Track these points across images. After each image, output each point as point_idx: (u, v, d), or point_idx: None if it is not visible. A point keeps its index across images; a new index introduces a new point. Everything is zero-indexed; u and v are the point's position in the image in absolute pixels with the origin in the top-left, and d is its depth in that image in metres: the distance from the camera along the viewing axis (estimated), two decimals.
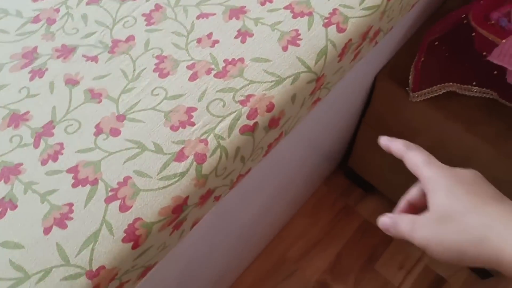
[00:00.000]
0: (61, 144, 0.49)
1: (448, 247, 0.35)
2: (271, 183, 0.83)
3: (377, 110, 0.93)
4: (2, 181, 0.47)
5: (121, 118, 0.50)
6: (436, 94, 0.79)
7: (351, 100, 0.88)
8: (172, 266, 0.62)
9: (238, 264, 1.08)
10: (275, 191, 0.91)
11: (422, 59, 0.79)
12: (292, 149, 0.78)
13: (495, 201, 0.35)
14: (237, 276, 1.10)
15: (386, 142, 0.44)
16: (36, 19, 0.59)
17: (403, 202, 0.44)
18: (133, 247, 0.43)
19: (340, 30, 0.56)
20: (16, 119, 0.51)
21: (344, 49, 0.56)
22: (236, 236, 0.90)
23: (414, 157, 0.41)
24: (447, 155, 0.88)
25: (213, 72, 0.53)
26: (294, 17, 0.57)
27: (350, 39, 0.56)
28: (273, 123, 0.52)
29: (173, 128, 0.49)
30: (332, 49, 0.55)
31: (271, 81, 0.52)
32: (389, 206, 1.16)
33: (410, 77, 0.80)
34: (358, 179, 1.18)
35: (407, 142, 0.43)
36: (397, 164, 0.99)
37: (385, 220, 0.41)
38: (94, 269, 0.42)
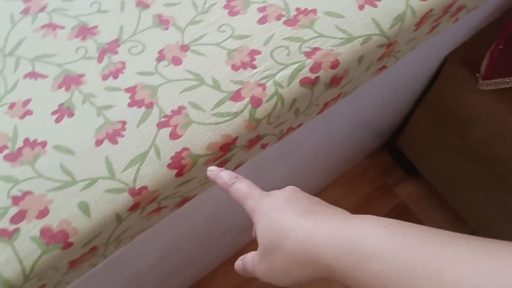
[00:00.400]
0: (123, 63, 0.49)
1: (285, 275, 0.34)
2: (315, 144, 0.82)
3: (440, 92, 0.89)
4: (63, 88, 0.48)
5: (184, 48, 0.50)
6: (507, 86, 0.75)
7: (415, 76, 0.85)
8: (207, 203, 0.64)
9: None
10: (317, 154, 0.90)
11: (500, 47, 0.74)
12: (346, 114, 0.77)
13: (306, 214, 0.34)
14: None
15: (213, 173, 0.42)
16: None
17: (253, 231, 0.42)
18: (177, 175, 0.44)
19: None
20: (84, 31, 0.52)
21: (423, 18, 0.54)
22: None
23: (237, 192, 0.40)
24: (502, 150, 0.84)
25: (283, 19, 0.51)
26: None
27: (431, 9, 0.53)
28: (334, 81, 0.51)
29: (234, 68, 0.49)
30: (410, 16, 0.52)
31: (341, 38, 0.50)
32: (429, 192, 1.14)
33: (483, 63, 0.76)
34: (403, 159, 1.15)
35: (231, 173, 0.41)
36: (449, 152, 0.96)
37: (237, 264, 0.41)
38: (137, 188, 0.43)
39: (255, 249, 0.38)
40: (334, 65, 0.49)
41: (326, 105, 0.55)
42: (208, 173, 0.43)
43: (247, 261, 0.39)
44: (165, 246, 0.69)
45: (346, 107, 0.69)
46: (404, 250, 0.27)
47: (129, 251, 0.54)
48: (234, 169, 0.53)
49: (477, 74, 0.77)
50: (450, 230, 0.27)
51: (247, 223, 0.99)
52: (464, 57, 0.79)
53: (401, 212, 1.13)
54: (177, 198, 0.49)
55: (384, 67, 0.58)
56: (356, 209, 1.13)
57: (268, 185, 0.83)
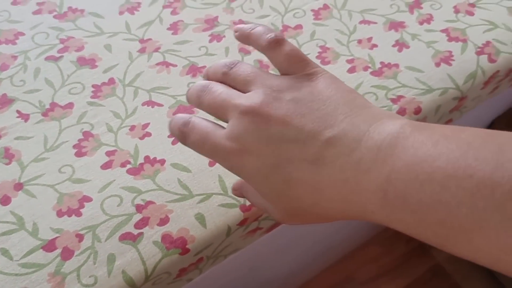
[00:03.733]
0: None
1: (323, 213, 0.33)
2: None
3: None
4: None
5: None
6: None
7: None
8: (276, 237, 0.68)
9: (305, 271, 1.11)
10: None
11: None
12: None
13: None
14: (302, 283, 1.13)
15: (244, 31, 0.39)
16: None
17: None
18: None
19: (491, 60, 0.60)
20: (194, 69, 0.59)
21: (490, 78, 0.60)
22: (310, 242, 0.94)
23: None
24: None
25: (370, 70, 0.58)
26: (449, 40, 0.62)
27: (498, 71, 0.60)
28: None
29: None
30: (480, 75, 0.59)
31: (422, 89, 0.57)
32: None
33: None
34: None
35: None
36: None
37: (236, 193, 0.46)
38: (247, 204, 0.48)
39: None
40: (417, 111, 0.55)
41: None
42: (236, 34, 0.40)
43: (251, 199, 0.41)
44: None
45: None
46: None
47: (212, 273, 0.57)
48: None
49: None
50: None
51: (288, 276, 1.01)
52: (510, 121, 0.86)
53: (438, 273, 1.15)
54: (271, 221, 0.53)
55: (451, 120, 0.65)
56: (394, 267, 1.15)
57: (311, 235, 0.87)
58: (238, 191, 0.45)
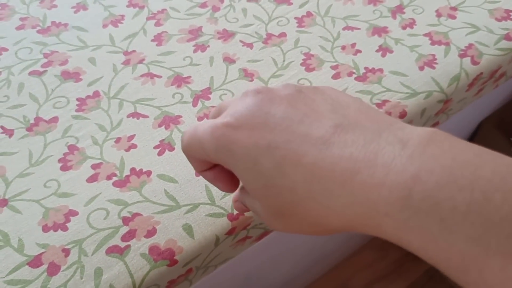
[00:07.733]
0: None
1: (313, 228, 0.28)
2: None
3: None
4: (163, 127, 0.54)
5: None
6: None
7: None
8: (270, 246, 0.67)
9: (300, 279, 1.11)
10: None
11: None
12: None
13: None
14: None
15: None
16: (203, 5, 0.68)
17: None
18: None
19: (474, 62, 0.60)
20: (179, 80, 0.59)
21: (474, 80, 0.61)
22: (305, 250, 0.93)
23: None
24: None
25: (354, 76, 0.59)
26: (432, 44, 0.62)
27: (482, 73, 0.61)
28: None
29: None
30: (464, 77, 0.59)
31: (406, 93, 0.57)
32: None
33: None
34: None
35: None
36: None
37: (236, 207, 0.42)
38: (234, 213, 0.47)
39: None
40: (402, 115, 0.56)
41: None
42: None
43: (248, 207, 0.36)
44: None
45: None
46: None
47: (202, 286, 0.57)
48: None
49: (511, 138, 0.84)
50: None
51: (284, 281, 1.01)
52: (499, 122, 0.86)
53: (434, 276, 1.15)
54: (260, 230, 0.53)
55: (437, 123, 0.65)
56: (390, 272, 1.15)
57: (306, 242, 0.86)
58: (237, 202, 0.42)
